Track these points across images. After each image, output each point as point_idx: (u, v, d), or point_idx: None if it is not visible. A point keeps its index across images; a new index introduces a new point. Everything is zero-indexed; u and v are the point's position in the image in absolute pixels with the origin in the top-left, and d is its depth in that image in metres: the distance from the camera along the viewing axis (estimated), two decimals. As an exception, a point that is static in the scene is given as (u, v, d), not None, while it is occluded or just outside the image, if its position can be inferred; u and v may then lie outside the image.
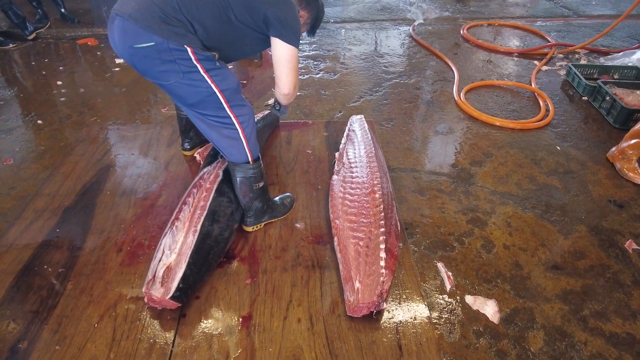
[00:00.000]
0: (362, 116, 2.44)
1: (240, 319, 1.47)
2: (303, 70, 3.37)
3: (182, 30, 1.39)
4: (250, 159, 1.66)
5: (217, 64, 1.49)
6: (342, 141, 2.26)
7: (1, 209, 2.01)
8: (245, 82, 3.13)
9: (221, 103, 1.51)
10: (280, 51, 1.57)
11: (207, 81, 1.45)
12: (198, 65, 1.43)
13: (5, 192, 2.12)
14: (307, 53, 3.68)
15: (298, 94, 3.01)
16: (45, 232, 1.80)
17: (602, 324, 1.55)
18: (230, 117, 1.55)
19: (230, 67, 3.37)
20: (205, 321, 1.47)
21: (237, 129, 1.58)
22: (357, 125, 2.34)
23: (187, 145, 2.22)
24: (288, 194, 1.96)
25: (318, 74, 3.33)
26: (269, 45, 1.62)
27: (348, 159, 2.07)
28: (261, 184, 1.73)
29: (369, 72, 3.36)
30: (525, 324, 1.54)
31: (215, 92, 1.48)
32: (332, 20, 4.46)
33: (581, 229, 1.95)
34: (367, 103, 2.93)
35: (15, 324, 1.45)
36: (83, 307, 1.51)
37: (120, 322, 1.47)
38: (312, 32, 1.83)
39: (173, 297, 1.42)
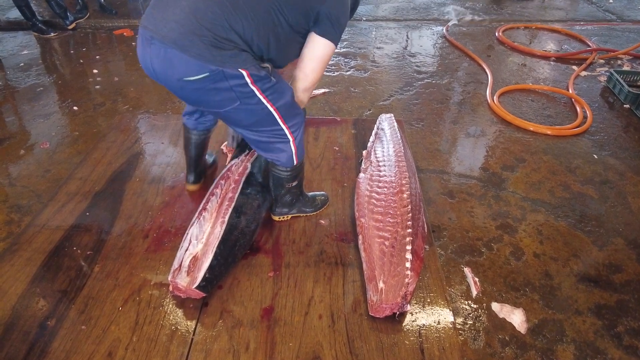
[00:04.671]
0: (392, 115, 2.40)
1: (262, 312, 1.47)
2: (333, 67, 3.35)
3: (235, 52, 1.26)
4: (295, 162, 1.63)
5: (273, 79, 1.38)
6: (371, 139, 2.23)
7: (36, 190, 2.08)
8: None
9: (276, 120, 1.46)
10: (321, 48, 1.43)
11: (263, 103, 1.38)
12: (254, 89, 1.33)
13: (41, 174, 2.19)
14: (338, 50, 3.66)
15: (328, 90, 3.00)
16: (76, 214, 1.85)
17: (639, 343, 1.47)
18: (283, 130, 1.50)
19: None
20: (226, 311, 1.47)
21: (288, 139, 1.54)
22: (387, 124, 2.30)
23: (191, 178, 1.94)
24: (323, 192, 1.95)
25: (348, 71, 3.30)
26: None
27: (376, 157, 2.04)
28: (294, 183, 1.72)
29: (400, 71, 3.31)
30: (554, 336, 1.48)
31: (271, 112, 1.42)
32: (364, 19, 4.42)
33: (618, 241, 1.86)
34: (397, 102, 2.89)
35: (45, 302, 1.49)
36: (109, 290, 1.54)
37: (144, 307, 1.49)
38: (349, 16, 1.69)
39: (199, 287, 1.43)
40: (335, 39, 1.43)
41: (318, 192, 1.93)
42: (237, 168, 1.81)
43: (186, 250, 1.52)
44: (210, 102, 1.36)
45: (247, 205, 1.69)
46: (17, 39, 3.84)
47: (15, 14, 4.05)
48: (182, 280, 1.44)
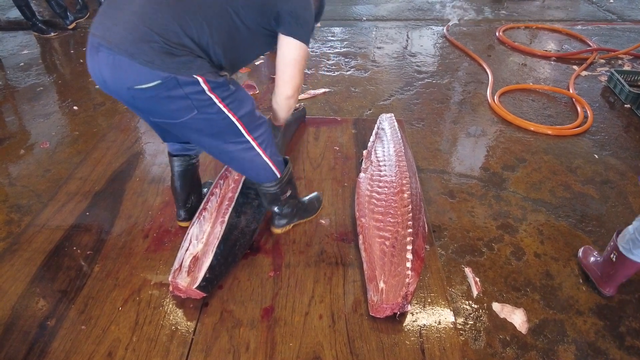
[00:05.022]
0: (392, 115, 2.40)
1: (262, 312, 1.47)
2: (334, 67, 3.34)
3: (189, 58, 1.17)
4: (278, 175, 1.55)
5: (231, 87, 1.29)
6: (371, 139, 2.22)
7: (36, 190, 2.07)
8: (274, 77, 3.13)
9: (239, 130, 1.34)
10: (292, 50, 1.36)
11: (223, 112, 1.27)
12: (213, 96, 1.23)
13: (41, 174, 2.19)
14: (338, 50, 3.65)
15: (328, 90, 2.99)
16: (76, 214, 1.85)
17: None
18: (249, 142, 1.39)
19: (260, 61, 3.41)
20: (227, 311, 1.47)
21: (258, 152, 1.43)
22: (387, 123, 2.30)
23: (181, 214, 1.78)
24: (316, 193, 1.92)
25: (349, 71, 3.30)
26: (276, 43, 1.41)
27: (377, 157, 2.04)
28: (288, 193, 1.65)
29: (400, 71, 3.31)
30: (555, 336, 1.48)
31: (233, 122, 1.31)
32: (364, 18, 4.42)
33: (619, 241, 1.86)
34: (397, 102, 2.88)
35: (45, 302, 1.49)
36: (109, 290, 1.54)
37: (144, 307, 1.48)
38: (316, 20, 1.52)
39: (199, 287, 1.43)
40: (303, 37, 1.34)
41: (311, 195, 1.89)
42: (238, 168, 1.81)
43: (186, 250, 1.52)
44: (165, 112, 1.24)
45: (247, 205, 1.69)
46: (17, 39, 3.84)
47: (15, 13, 4.05)
48: (183, 281, 1.43)
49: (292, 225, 1.78)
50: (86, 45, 1.22)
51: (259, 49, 1.43)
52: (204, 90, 1.20)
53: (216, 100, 1.24)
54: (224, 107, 1.26)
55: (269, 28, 1.32)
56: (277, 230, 1.75)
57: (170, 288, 1.49)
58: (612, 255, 1.52)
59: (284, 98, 1.50)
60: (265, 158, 1.46)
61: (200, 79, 1.18)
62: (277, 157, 1.52)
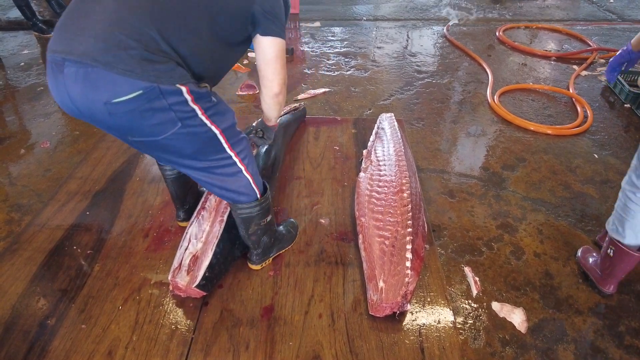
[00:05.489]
0: (392, 114, 2.40)
1: (262, 311, 1.47)
2: (334, 67, 3.35)
3: (169, 65, 1.07)
4: (258, 194, 1.45)
5: (214, 98, 1.23)
6: (371, 139, 2.23)
7: (37, 190, 2.08)
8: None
9: (221, 145, 1.27)
10: (271, 48, 1.31)
11: (206, 124, 1.19)
12: (196, 108, 1.15)
13: (41, 173, 2.19)
14: (338, 50, 3.66)
15: (328, 90, 2.99)
16: (76, 214, 1.85)
17: (639, 342, 1.47)
18: (231, 158, 1.32)
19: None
20: (226, 311, 1.47)
21: (239, 168, 1.35)
22: (387, 123, 2.30)
23: (180, 215, 1.80)
24: (291, 220, 1.80)
25: (349, 71, 3.30)
26: (246, 48, 1.38)
27: (376, 156, 2.04)
28: (269, 218, 1.53)
29: (400, 71, 3.31)
30: (555, 335, 1.48)
31: (216, 135, 1.24)
32: (364, 18, 4.42)
33: (618, 241, 1.86)
34: (397, 101, 2.89)
35: (45, 301, 1.49)
36: (109, 289, 1.54)
37: (144, 306, 1.49)
38: (285, 14, 1.47)
39: (199, 286, 1.43)
40: (279, 33, 1.31)
41: (287, 223, 1.77)
42: (237, 167, 1.81)
43: (186, 249, 1.52)
44: (146, 127, 1.12)
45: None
46: (17, 39, 3.84)
47: (15, 13, 4.05)
48: (182, 279, 1.43)
49: (271, 259, 1.66)
50: (46, 68, 1.10)
51: (234, 58, 1.37)
52: (187, 101, 1.12)
53: (199, 112, 1.16)
54: (207, 119, 1.19)
55: (243, 34, 1.28)
56: (256, 267, 1.63)
57: (170, 287, 1.49)
58: (609, 251, 1.53)
59: (273, 96, 1.45)
60: (247, 175, 1.39)
61: (183, 89, 1.10)
62: (257, 177, 1.45)
